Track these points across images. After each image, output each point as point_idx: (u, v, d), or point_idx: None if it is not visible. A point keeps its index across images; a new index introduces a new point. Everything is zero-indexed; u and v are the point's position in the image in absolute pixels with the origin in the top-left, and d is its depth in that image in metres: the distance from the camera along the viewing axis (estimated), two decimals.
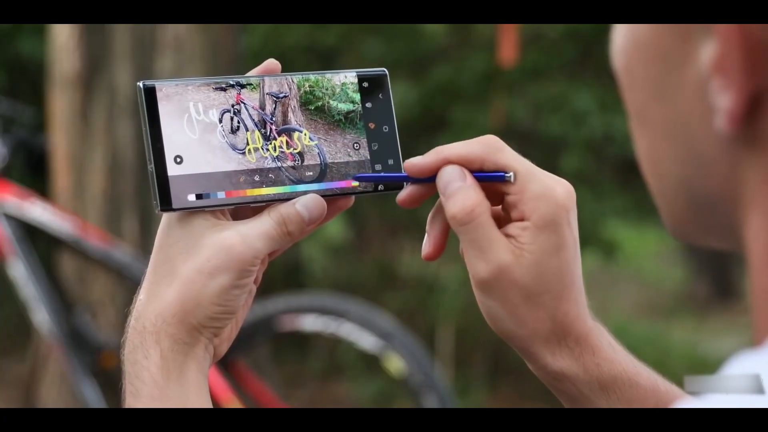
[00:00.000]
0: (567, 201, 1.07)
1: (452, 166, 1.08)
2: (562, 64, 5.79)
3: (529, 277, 1.06)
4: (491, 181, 1.07)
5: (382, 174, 1.13)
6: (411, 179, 1.10)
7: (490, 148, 1.08)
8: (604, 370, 1.09)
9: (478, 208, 1.06)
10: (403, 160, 1.15)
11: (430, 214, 1.11)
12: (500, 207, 1.10)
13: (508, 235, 1.06)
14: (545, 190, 1.06)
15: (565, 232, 1.07)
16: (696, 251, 8.20)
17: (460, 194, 1.06)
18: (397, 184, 1.14)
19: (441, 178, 1.08)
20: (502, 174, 1.07)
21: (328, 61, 5.83)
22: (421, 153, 1.11)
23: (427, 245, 1.11)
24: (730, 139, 0.71)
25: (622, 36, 0.77)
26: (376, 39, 5.62)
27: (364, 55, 5.48)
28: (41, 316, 3.68)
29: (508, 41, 5.16)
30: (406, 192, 1.11)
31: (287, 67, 1.14)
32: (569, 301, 1.08)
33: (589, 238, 5.64)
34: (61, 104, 4.30)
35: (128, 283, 3.71)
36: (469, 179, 1.07)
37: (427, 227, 1.11)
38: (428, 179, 1.10)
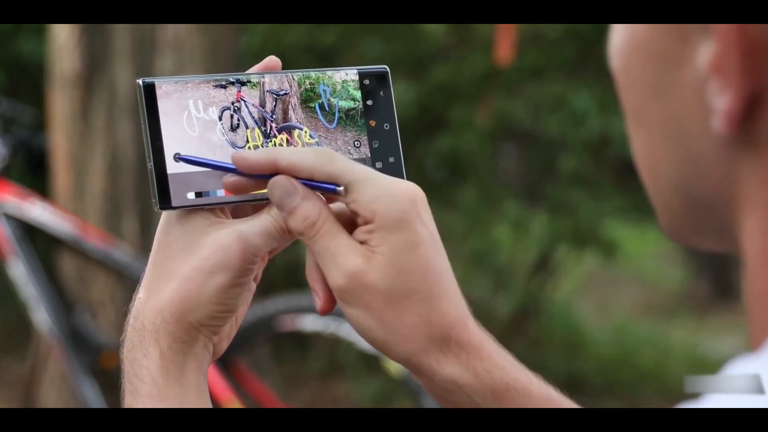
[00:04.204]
0: (410, 196, 1.03)
1: (282, 178, 1.04)
2: (561, 64, 5.79)
3: (386, 278, 1.01)
4: (323, 192, 1.04)
5: (207, 160, 1.09)
6: (238, 172, 1.07)
7: (322, 158, 1.04)
8: (497, 377, 1.03)
9: (320, 218, 1.03)
10: (404, 158, 1.15)
11: (306, 272, 1.07)
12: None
13: (360, 242, 1.03)
14: (385, 189, 1.03)
15: (417, 228, 1.02)
16: (696, 251, 8.20)
17: (300, 209, 1.03)
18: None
19: (273, 192, 1.05)
20: (333, 186, 1.04)
21: (328, 61, 5.83)
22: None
23: (318, 300, 1.06)
24: (727, 140, 0.71)
25: (619, 36, 0.77)
26: (375, 39, 5.62)
27: (364, 54, 5.48)
28: (41, 316, 3.69)
29: (505, 40, 5.16)
30: (233, 179, 1.07)
31: (287, 67, 1.14)
32: (443, 302, 1.03)
33: (589, 238, 5.65)
34: (61, 104, 4.30)
35: (128, 283, 3.71)
36: (302, 190, 1.04)
37: (310, 284, 1.07)
38: (257, 175, 1.06)
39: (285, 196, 1.04)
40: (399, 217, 1.02)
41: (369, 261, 1.02)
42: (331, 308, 1.06)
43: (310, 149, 1.07)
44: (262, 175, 1.06)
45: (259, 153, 1.06)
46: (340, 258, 1.02)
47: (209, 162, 1.09)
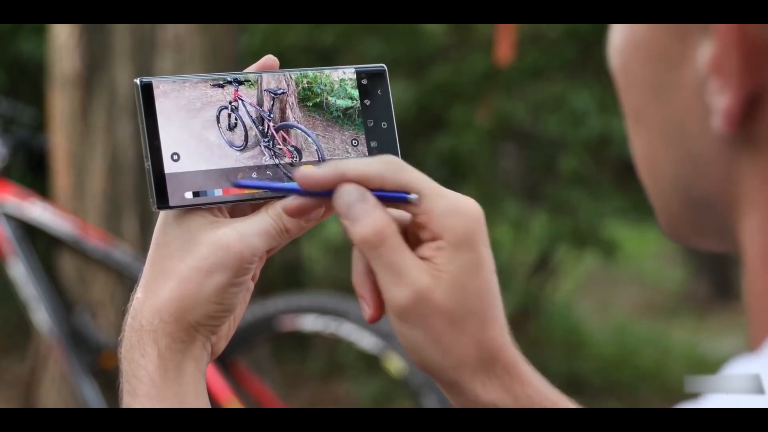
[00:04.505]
0: (477, 215, 1.01)
1: (351, 185, 1.00)
2: (561, 64, 5.79)
3: (451, 299, 0.98)
4: (393, 202, 1.00)
5: (269, 183, 1.07)
6: (303, 192, 1.04)
7: (392, 166, 1.01)
8: (535, 402, 1.01)
9: (388, 228, 0.99)
10: (403, 158, 1.14)
11: (354, 278, 1.03)
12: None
13: (422, 258, 0.99)
14: (456, 205, 1.00)
15: (482, 249, 1.00)
16: (696, 251, 8.20)
17: (368, 216, 0.99)
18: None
19: (340, 198, 1.00)
20: (405, 194, 1.00)
21: (328, 61, 5.83)
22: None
23: (367, 308, 1.03)
24: (727, 140, 0.71)
25: (619, 36, 0.76)
26: (375, 39, 5.63)
27: (364, 54, 5.48)
28: (41, 316, 3.68)
29: (505, 40, 5.16)
30: (296, 202, 1.04)
31: (287, 67, 1.14)
32: (495, 325, 1.00)
33: (589, 238, 5.65)
34: (61, 104, 4.30)
35: (128, 283, 3.71)
36: (372, 199, 1.00)
37: (357, 291, 1.03)
38: (321, 193, 1.02)
39: (355, 203, 1.00)
40: (467, 236, 0.99)
41: (435, 280, 0.98)
42: (380, 317, 1.03)
43: (377, 158, 1.04)
44: (325, 193, 1.02)
45: (323, 168, 1.02)
46: (406, 274, 0.98)
47: (270, 185, 1.07)
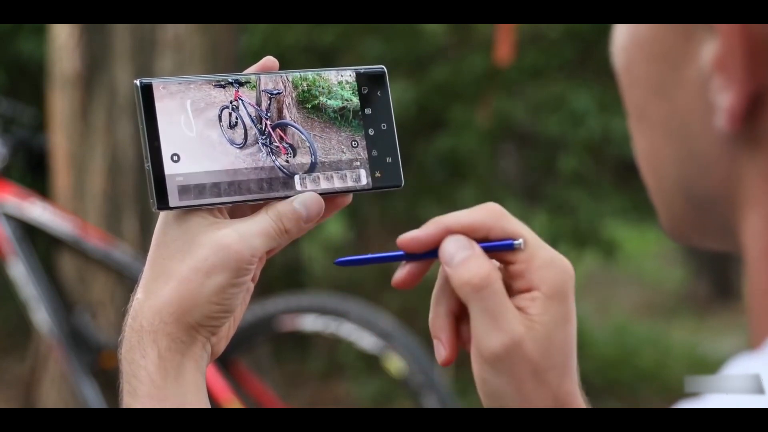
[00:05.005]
0: (570, 268, 1.02)
1: (457, 236, 1.01)
2: (561, 64, 5.79)
3: (539, 351, 0.99)
4: (499, 251, 1.01)
5: (372, 255, 1.07)
6: (408, 257, 1.03)
7: (496, 214, 1.02)
8: None
9: (494, 274, 0.99)
10: (403, 159, 1.14)
11: (431, 320, 1.03)
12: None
13: (516, 307, 1.00)
14: (554, 258, 1.01)
15: (571, 303, 1.01)
16: (696, 251, 8.20)
17: (473, 260, 0.99)
18: (394, 181, 1.13)
19: (445, 249, 1.01)
20: (511, 242, 1.00)
21: (328, 61, 5.83)
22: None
23: (443, 350, 1.03)
24: (730, 139, 0.71)
25: (623, 35, 0.76)
26: (375, 39, 5.62)
27: (364, 54, 5.48)
28: (41, 316, 3.68)
29: (505, 40, 5.16)
30: (404, 272, 1.04)
31: (287, 67, 1.14)
32: (570, 378, 1.01)
33: (589, 238, 5.65)
34: (61, 104, 4.30)
35: (128, 283, 3.71)
36: (478, 248, 1.00)
37: (433, 332, 1.03)
38: (427, 254, 1.02)
39: (460, 249, 1.00)
40: (562, 290, 1.00)
41: (528, 330, 0.99)
42: (453, 360, 1.03)
43: (480, 207, 1.04)
44: (431, 253, 1.02)
45: (425, 228, 1.03)
46: (504, 321, 0.99)
47: (374, 257, 1.07)
